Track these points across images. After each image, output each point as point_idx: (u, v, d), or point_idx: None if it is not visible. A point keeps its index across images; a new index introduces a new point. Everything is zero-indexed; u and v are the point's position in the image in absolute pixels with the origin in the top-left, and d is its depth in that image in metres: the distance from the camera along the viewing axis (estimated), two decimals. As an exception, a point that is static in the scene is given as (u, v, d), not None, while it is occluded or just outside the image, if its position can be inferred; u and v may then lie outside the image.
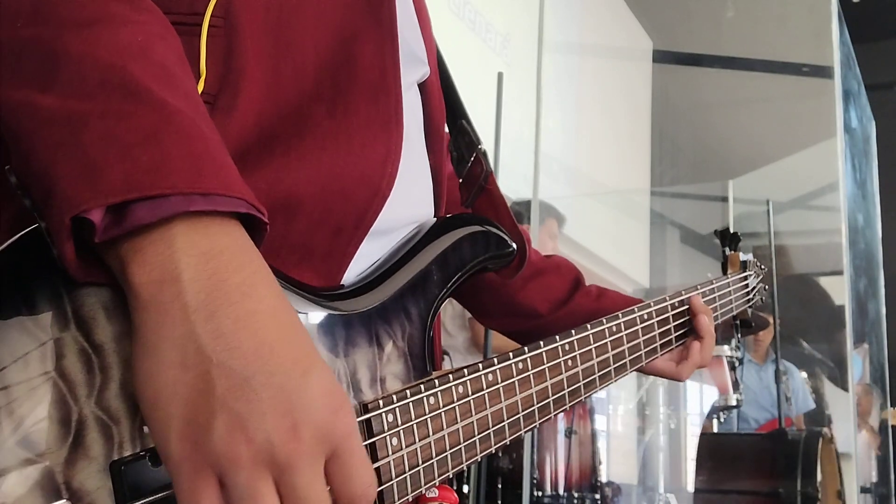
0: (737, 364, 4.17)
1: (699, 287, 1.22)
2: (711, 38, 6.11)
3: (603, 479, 3.73)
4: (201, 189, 0.52)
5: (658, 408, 4.77)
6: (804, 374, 4.85)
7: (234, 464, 0.49)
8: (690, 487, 3.52)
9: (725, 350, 3.91)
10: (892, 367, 6.12)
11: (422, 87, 0.88)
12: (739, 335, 1.51)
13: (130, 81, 0.53)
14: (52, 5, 0.55)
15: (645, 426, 4.78)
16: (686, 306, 1.14)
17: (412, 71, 0.84)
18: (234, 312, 0.51)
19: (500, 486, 3.06)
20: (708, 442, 3.80)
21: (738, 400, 4.06)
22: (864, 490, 4.74)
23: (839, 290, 4.69)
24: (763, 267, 1.51)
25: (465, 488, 2.85)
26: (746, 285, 1.42)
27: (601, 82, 5.56)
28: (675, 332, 1.12)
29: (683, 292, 1.17)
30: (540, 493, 3.27)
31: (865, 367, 5.65)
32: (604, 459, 3.97)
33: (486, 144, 1.00)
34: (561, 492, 3.33)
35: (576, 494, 3.34)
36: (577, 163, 5.01)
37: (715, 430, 4.31)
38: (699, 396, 5.38)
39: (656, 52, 6.20)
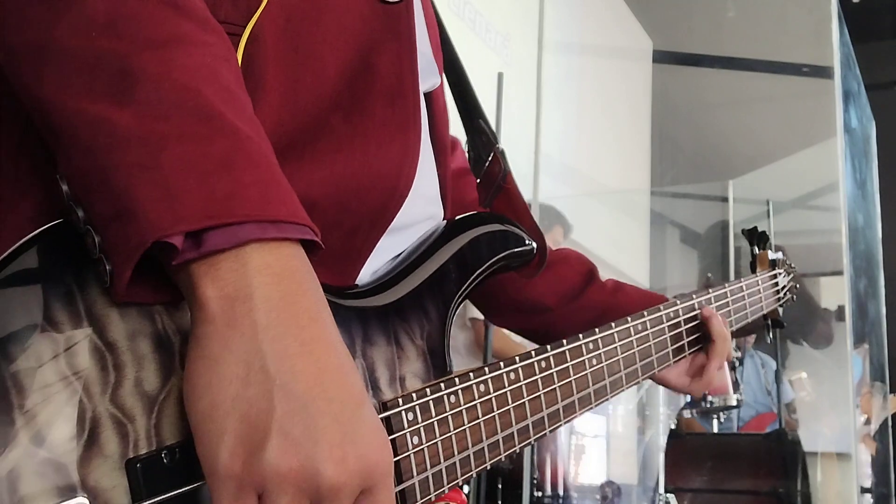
0: (737, 364, 4.17)
1: (726, 286, 1.19)
2: (711, 38, 6.10)
3: (602, 478, 3.73)
4: (271, 217, 0.53)
5: (658, 408, 4.76)
6: (804, 374, 4.84)
7: (280, 487, 0.50)
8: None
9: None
10: (892, 367, 6.11)
11: (428, 96, 0.88)
12: (770, 335, 1.49)
13: (204, 105, 0.54)
14: (127, 20, 0.54)
15: (645, 426, 4.77)
16: (697, 311, 1.09)
17: (424, 80, 0.84)
18: (301, 336, 0.52)
19: (500, 486, 3.06)
20: (702, 442, 3.79)
21: (738, 400, 4.06)
22: (863, 490, 4.74)
23: (839, 291, 4.69)
24: (793, 265, 1.48)
25: (466, 488, 2.86)
26: (776, 283, 1.40)
27: (601, 82, 5.55)
28: (686, 336, 1.08)
29: (711, 291, 1.14)
30: (540, 494, 3.27)
31: (865, 367, 5.64)
32: (604, 459, 3.97)
33: (487, 144, 0.99)
34: (561, 492, 3.33)
35: (575, 495, 3.34)
36: (577, 163, 5.00)
37: (715, 430, 4.31)
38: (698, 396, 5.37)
39: (656, 52, 6.18)
